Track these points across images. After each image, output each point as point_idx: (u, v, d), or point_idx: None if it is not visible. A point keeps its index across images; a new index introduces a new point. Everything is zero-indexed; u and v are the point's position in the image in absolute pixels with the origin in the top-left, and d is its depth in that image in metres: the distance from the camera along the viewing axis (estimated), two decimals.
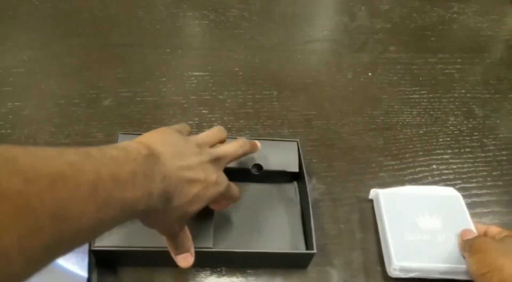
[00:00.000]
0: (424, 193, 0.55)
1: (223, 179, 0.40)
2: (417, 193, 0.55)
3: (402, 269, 0.47)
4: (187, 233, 0.41)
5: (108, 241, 0.44)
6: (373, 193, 0.55)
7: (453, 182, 0.60)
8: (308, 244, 0.48)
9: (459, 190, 0.59)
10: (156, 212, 0.34)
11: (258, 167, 0.53)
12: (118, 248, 0.44)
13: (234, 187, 0.43)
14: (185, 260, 0.41)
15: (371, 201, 0.56)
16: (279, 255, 0.47)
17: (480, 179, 0.61)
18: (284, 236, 0.50)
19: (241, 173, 0.52)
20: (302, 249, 0.49)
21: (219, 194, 0.39)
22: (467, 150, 0.65)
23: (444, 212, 0.52)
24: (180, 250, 0.41)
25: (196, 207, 0.37)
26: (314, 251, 0.45)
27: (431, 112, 0.70)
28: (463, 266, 0.47)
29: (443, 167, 0.62)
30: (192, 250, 0.42)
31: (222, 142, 0.44)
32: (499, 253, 0.42)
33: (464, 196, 0.58)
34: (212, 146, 0.42)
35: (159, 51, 0.74)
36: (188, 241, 0.41)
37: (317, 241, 0.46)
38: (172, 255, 0.41)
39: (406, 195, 0.54)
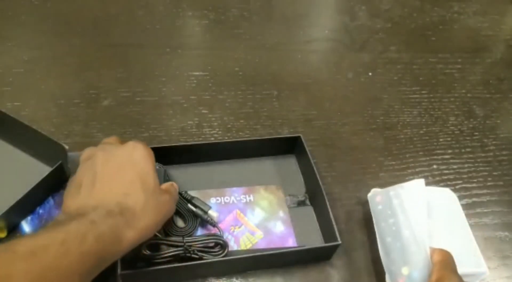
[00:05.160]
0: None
1: None
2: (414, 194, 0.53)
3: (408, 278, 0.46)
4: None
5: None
6: (371, 193, 0.54)
7: (453, 182, 0.60)
8: (330, 236, 0.48)
9: (459, 190, 0.59)
10: None
11: None
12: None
13: None
14: None
15: None
16: (310, 250, 0.47)
17: (481, 179, 0.61)
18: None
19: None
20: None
21: None
22: (467, 150, 0.65)
23: (442, 214, 0.51)
24: None
25: None
26: (339, 242, 0.46)
27: (432, 112, 0.70)
28: (465, 270, 0.46)
29: (444, 167, 0.62)
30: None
31: None
32: None
33: (465, 196, 0.58)
34: None
35: (159, 51, 0.74)
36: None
37: None
38: None
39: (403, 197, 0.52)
